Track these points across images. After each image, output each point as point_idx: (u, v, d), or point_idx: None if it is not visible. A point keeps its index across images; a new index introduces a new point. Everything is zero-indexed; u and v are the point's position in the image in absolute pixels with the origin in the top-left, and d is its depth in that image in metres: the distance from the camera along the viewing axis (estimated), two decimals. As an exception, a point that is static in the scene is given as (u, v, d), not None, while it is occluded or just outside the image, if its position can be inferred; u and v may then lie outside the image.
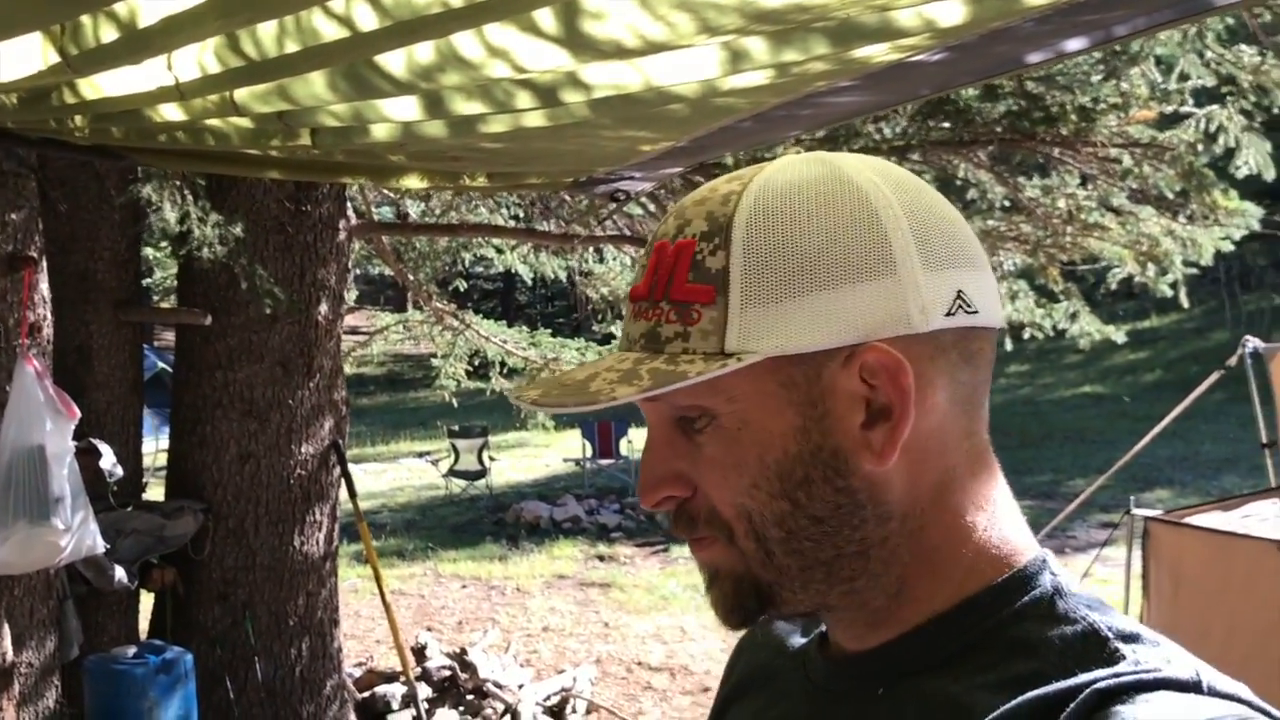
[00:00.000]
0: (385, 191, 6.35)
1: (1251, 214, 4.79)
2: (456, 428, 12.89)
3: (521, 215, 7.48)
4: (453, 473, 12.48)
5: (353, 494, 4.86)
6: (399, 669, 5.57)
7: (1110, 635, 0.64)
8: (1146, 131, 4.48)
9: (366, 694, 5.04)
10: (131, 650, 3.79)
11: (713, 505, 0.70)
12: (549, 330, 7.98)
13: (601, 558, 9.59)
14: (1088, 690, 0.59)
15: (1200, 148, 4.50)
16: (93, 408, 4.26)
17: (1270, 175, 4.61)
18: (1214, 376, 5.34)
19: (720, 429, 0.68)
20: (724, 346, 0.66)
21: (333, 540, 4.76)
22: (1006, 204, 5.71)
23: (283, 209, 4.39)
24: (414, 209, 7.27)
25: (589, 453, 13.05)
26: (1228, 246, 5.20)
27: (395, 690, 5.06)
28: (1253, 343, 5.24)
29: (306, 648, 4.61)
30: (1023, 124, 4.28)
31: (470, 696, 5.28)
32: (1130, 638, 0.64)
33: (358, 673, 5.36)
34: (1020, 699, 0.61)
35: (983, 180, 5.41)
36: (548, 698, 5.42)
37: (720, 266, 0.66)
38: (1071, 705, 0.59)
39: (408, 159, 2.13)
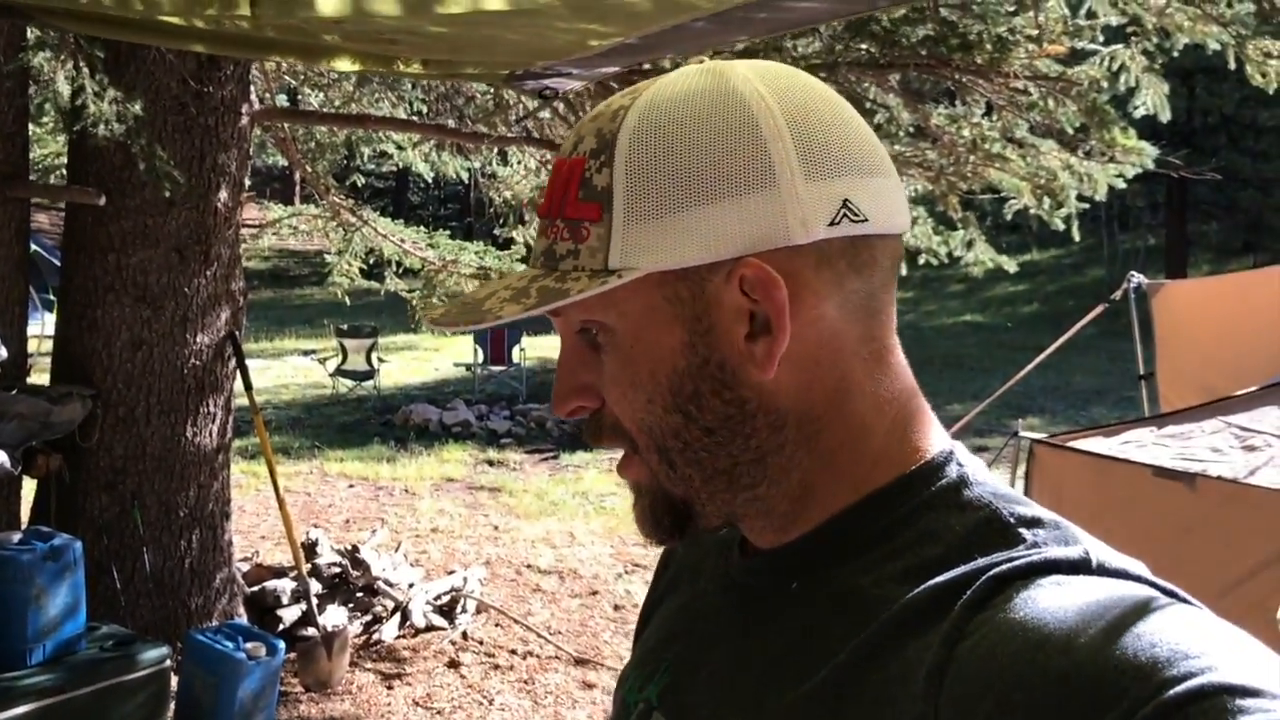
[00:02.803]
0: (287, 78, 6.12)
1: (1148, 153, 4.94)
2: (345, 327, 12.70)
3: (425, 111, 7.31)
4: (340, 372, 12.32)
5: (248, 386, 4.76)
6: (287, 565, 5.54)
7: (1011, 520, 0.65)
8: (1055, 66, 4.57)
9: (255, 588, 5.00)
10: (17, 536, 3.67)
11: (616, 418, 0.72)
12: (446, 233, 7.83)
13: (491, 463, 9.61)
14: (985, 576, 0.60)
15: (1105, 84, 4.61)
16: (-26, 286, 4.07)
17: (1166, 116, 4.77)
18: (1099, 309, 5.56)
19: (616, 345, 0.70)
20: (608, 263, 0.67)
21: (226, 433, 4.67)
22: (913, 130, 5.79)
23: (184, 88, 4.22)
24: (314, 99, 7.05)
25: (480, 358, 13.01)
26: (1120, 184, 5.36)
27: (285, 585, 5.03)
28: (1137, 278, 5.45)
29: (196, 540, 4.55)
30: (940, 50, 4.33)
31: (360, 594, 5.28)
32: (1031, 522, 0.65)
33: (245, 567, 5.31)
34: (923, 587, 0.63)
35: (891, 105, 5.47)
36: (438, 597, 5.46)
37: (605, 184, 0.67)
38: (968, 592, 0.60)
39: (342, 39, 2.05)
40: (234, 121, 4.44)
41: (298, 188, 20.06)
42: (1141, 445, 3.52)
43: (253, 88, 4.75)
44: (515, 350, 13.07)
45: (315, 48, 2.19)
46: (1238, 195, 21.03)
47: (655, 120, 0.67)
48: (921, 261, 6.51)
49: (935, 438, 0.73)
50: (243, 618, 4.69)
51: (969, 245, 5.93)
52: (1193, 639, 0.53)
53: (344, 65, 2.22)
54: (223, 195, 4.43)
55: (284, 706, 4.28)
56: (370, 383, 12.33)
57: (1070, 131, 5.22)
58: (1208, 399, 4.15)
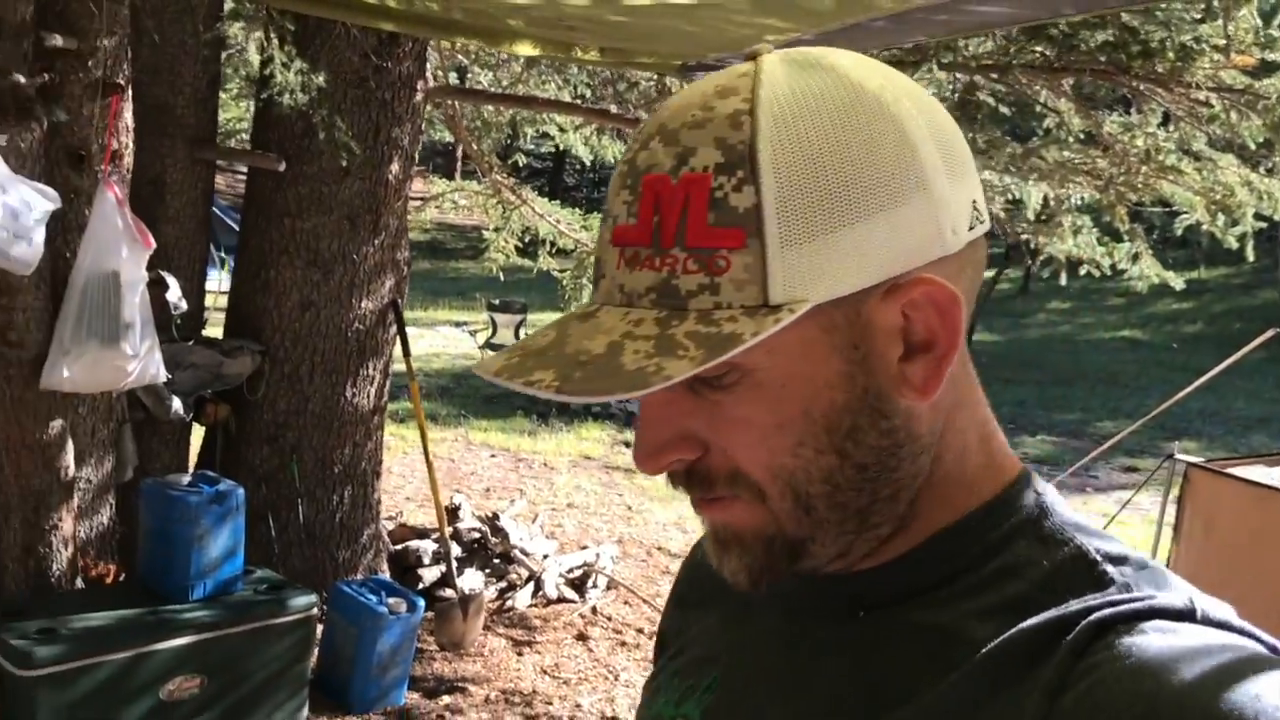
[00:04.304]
0: (459, 57, 6.30)
1: (1336, 174, 4.71)
2: (497, 302, 12.98)
3: (588, 95, 7.44)
4: (489, 345, 12.60)
5: (406, 353, 4.95)
6: (429, 526, 5.74)
7: (1099, 558, 0.62)
8: (1241, 78, 4.39)
9: (399, 547, 5.20)
10: (186, 479, 3.91)
11: (737, 466, 0.64)
12: (599, 215, 7.92)
13: (628, 444, 9.73)
14: (1085, 622, 0.57)
15: (1293, 100, 4.41)
16: (162, 241, 4.31)
17: (1359, 136, 4.53)
18: (1270, 334, 5.31)
19: (757, 386, 0.61)
20: (767, 297, 0.58)
21: (383, 395, 4.87)
22: (1083, 136, 5.63)
23: (365, 63, 4.39)
24: (483, 78, 7.23)
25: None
26: (1304, 205, 5.12)
27: (426, 546, 5.22)
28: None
29: (348, 496, 4.75)
30: (1119, 56, 4.20)
31: (497, 560, 5.44)
32: (1118, 560, 0.62)
33: (390, 526, 5.52)
34: (1015, 630, 0.59)
35: (1062, 110, 5.33)
36: (570, 570, 5.58)
37: (750, 204, 0.58)
38: (1069, 637, 0.57)
39: (525, 24, 2.13)
40: (409, 97, 4.60)
41: (459, 163, 20.57)
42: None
43: (428, 65, 4.92)
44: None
45: (499, 31, 2.27)
46: None
47: (796, 130, 0.58)
48: (1083, 272, 6.32)
49: (1013, 457, 0.69)
50: (385, 574, 4.88)
51: (1134, 259, 5.74)
52: None
53: (524, 50, 2.30)
54: (394, 168, 4.60)
55: (419, 662, 4.44)
56: (516, 358, 12.58)
57: (1253, 147, 5.00)
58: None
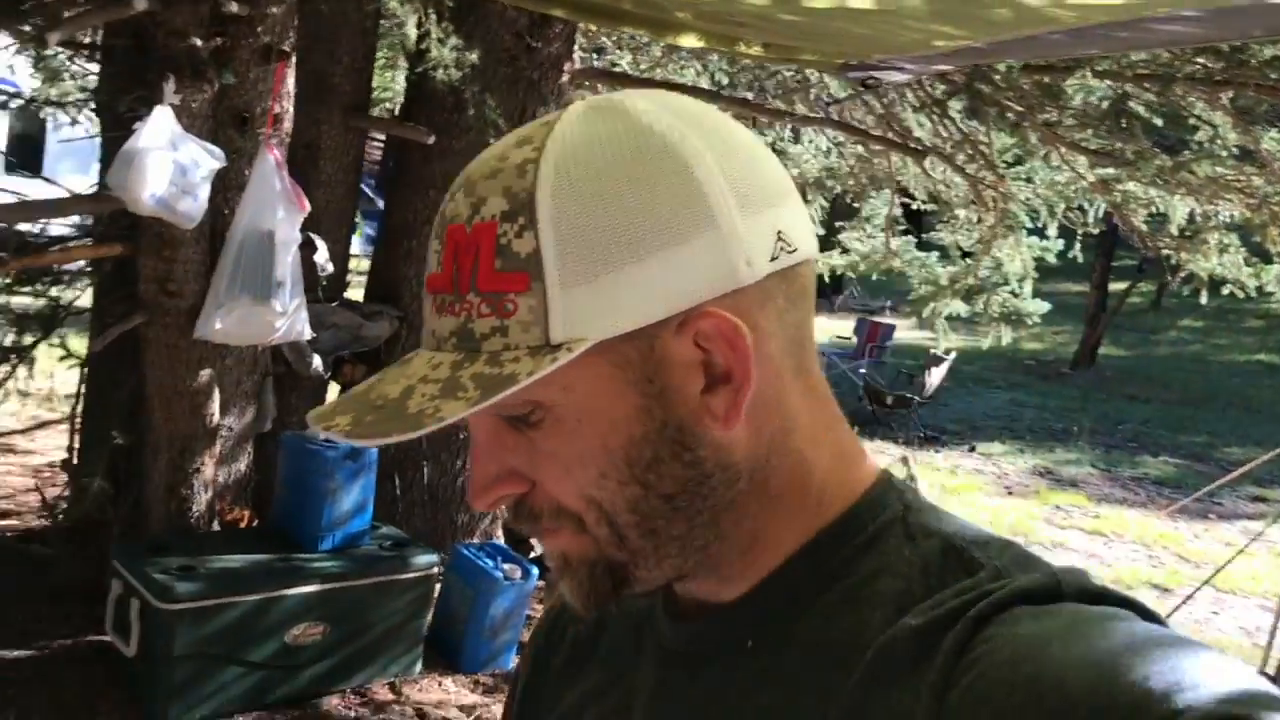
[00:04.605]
0: (603, 39, 6.37)
1: None
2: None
3: (726, 82, 7.45)
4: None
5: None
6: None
7: (964, 544, 0.64)
8: None
9: (514, 516, 5.32)
10: (324, 435, 4.07)
11: (556, 500, 0.66)
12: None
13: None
14: (964, 618, 0.58)
15: None
16: (313, 205, 4.47)
17: None
18: None
19: (557, 421, 0.64)
20: (549, 338, 0.60)
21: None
22: (1237, 152, 5.44)
23: (517, 42, 4.48)
24: (623, 61, 7.29)
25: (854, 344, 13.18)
26: None
27: (540, 518, 5.33)
28: None
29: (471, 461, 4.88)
30: (1286, 73, 4.06)
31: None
32: (982, 544, 0.64)
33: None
34: (895, 629, 0.61)
35: (1218, 123, 5.16)
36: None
37: (530, 249, 0.60)
38: (948, 636, 0.58)
39: (693, 17, 2.16)
40: (556, 78, 4.68)
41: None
42: None
43: (575, 46, 4.99)
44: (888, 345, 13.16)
45: (666, 23, 2.31)
46: None
47: (575, 174, 0.61)
48: (1225, 291, 6.13)
49: (869, 463, 0.71)
50: (500, 540, 5.00)
51: (1283, 281, 5.54)
52: (1181, 667, 0.51)
53: (688, 42, 2.33)
54: (536, 146, 4.69)
55: (528, 628, 4.55)
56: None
57: None
58: None
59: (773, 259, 0.63)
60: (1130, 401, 13.94)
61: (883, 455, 9.51)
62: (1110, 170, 5.72)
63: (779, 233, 0.64)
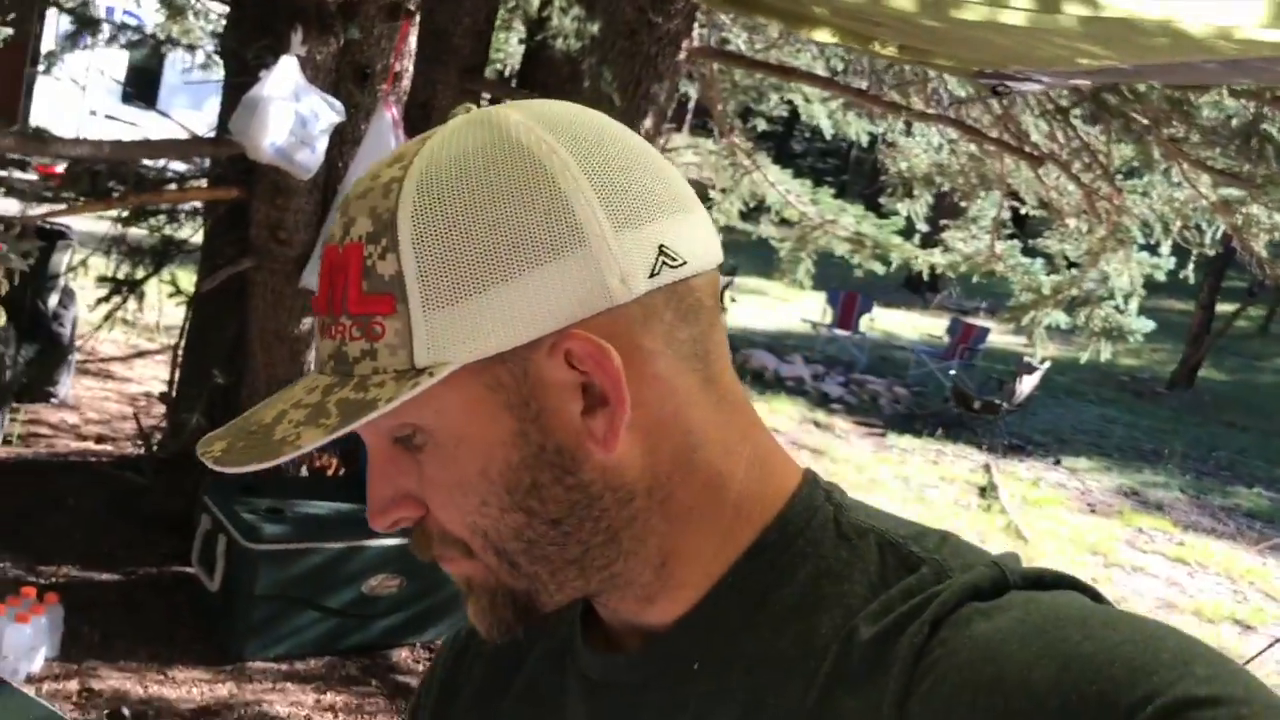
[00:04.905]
0: (722, 17, 6.32)
1: None
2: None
3: (842, 69, 7.35)
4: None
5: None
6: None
7: (900, 540, 0.63)
8: None
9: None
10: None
11: (443, 526, 0.65)
12: (830, 189, 7.80)
13: (817, 424, 9.69)
14: (917, 623, 0.57)
15: None
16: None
17: None
18: None
19: (437, 446, 0.62)
20: (414, 361, 0.59)
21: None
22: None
23: (638, 16, 4.46)
24: (739, 40, 7.24)
25: (828, 318, 13.03)
26: None
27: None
28: None
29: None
30: None
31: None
32: (918, 537, 0.63)
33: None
34: (845, 638, 0.59)
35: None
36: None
37: (393, 271, 0.59)
38: (900, 641, 0.57)
39: (830, 13, 2.13)
40: (673, 55, 4.65)
41: (689, 118, 20.61)
42: None
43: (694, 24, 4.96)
44: (865, 318, 13.00)
45: (802, 16, 2.28)
46: None
47: (437, 192, 0.59)
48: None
49: (791, 466, 0.69)
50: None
51: None
52: (1142, 652, 0.51)
53: (822, 36, 2.30)
54: (648, 123, 4.67)
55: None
56: (719, 318, 12.65)
57: None
58: None
59: (652, 275, 0.61)
60: (1227, 428, 13.53)
61: (965, 460, 9.38)
62: (1234, 191, 5.53)
63: (661, 247, 0.61)
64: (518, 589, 0.66)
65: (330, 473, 4.31)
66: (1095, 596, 0.59)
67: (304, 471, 4.22)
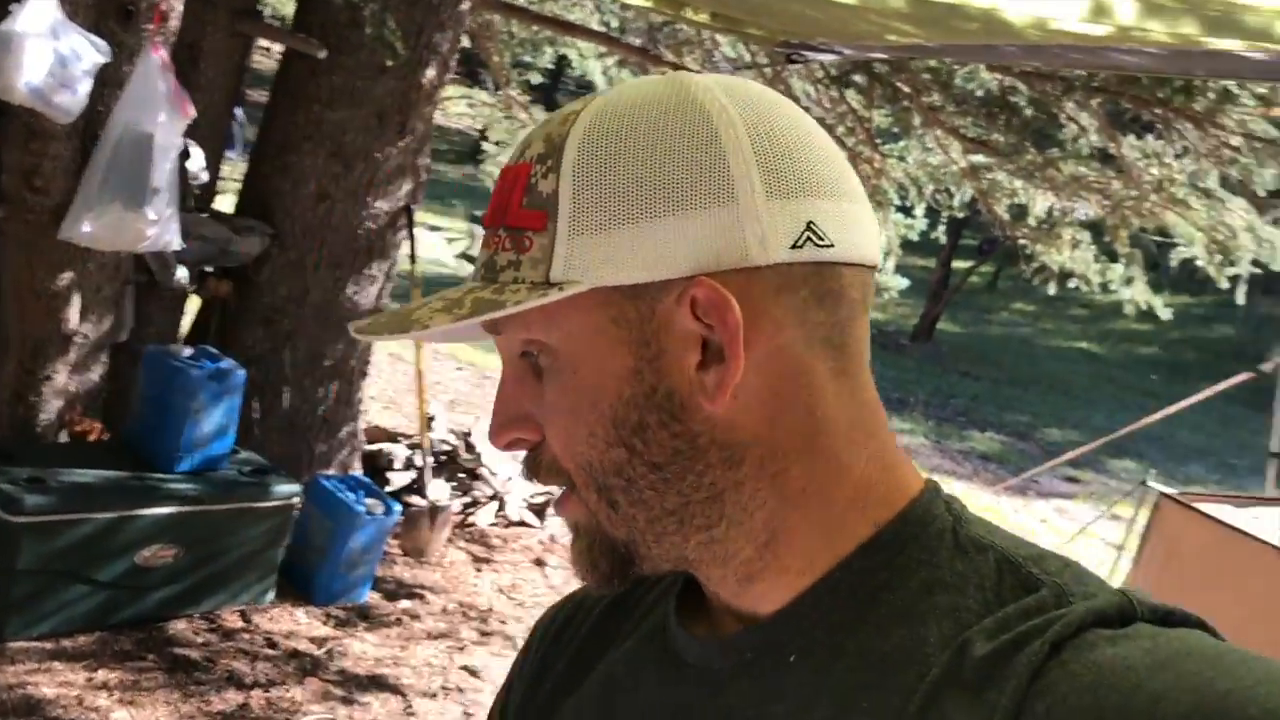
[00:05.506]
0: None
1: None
2: (479, 214, 12.90)
3: (616, 25, 7.38)
4: (465, 256, 12.56)
5: (413, 259, 4.95)
6: (399, 430, 5.78)
7: (1020, 560, 0.62)
8: (1271, 130, 4.49)
9: (373, 447, 5.24)
10: (189, 351, 3.92)
11: (554, 454, 0.67)
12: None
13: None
14: (1039, 642, 0.55)
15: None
16: (189, 108, 4.27)
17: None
18: (1242, 377, 5.48)
19: (557, 370, 0.65)
20: (549, 276, 0.62)
21: (382, 297, 4.87)
22: (1098, 153, 5.72)
23: (421, -36, 4.34)
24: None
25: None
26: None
27: (399, 451, 5.26)
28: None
29: (334, 390, 4.77)
30: (1164, 91, 4.27)
31: (462, 475, 5.50)
32: (1038, 560, 0.62)
33: (362, 425, 5.55)
34: (958, 650, 0.58)
35: (1085, 124, 5.40)
36: (534, 495, 5.66)
37: (550, 191, 0.63)
38: (1019, 657, 0.56)
39: (645, -24, 2.14)
40: (455, 4, 4.56)
41: (460, 67, 20.18)
42: (1275, 528, 3.52)
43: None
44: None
45: (616, -22, 2.27)
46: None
47: (607, 126, 0.62)
48: (1072, 284, 6.46)
49: (915, 475, 0.69)
50: (359, 472, 4.92)
51: (1128, 282, 5.87)
52: (1278, 697, 0.49)
53: (635, 0, 2.30)
54: (430, 73, 4.57)
55: (382, 564, 4.51)
56: (490, 272, 12.56)
57: (1262, 194, 5.13)
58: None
59: (795, 246, 0.62)
60: (963, 377, 14.59)
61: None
62: (981, 158, 5.93)
63: (810, 223, 0.62)
64: (617, 538, 0.67)
65: (93, 438, 4.03)
66: (1218, 637, 0.58)
67: (63, 437, 3.93)
